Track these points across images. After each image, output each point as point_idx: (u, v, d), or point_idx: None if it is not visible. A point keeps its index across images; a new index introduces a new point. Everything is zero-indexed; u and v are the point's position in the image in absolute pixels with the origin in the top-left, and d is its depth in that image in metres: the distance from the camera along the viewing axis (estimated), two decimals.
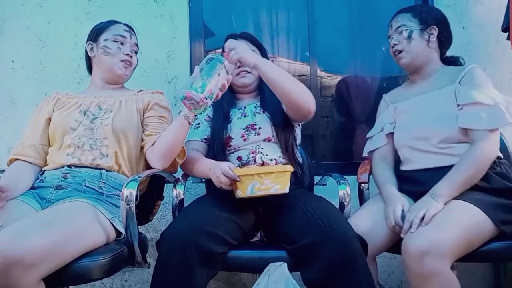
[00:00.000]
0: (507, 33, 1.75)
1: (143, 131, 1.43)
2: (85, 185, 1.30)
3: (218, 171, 1.22)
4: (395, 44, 1.44)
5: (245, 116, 1.51)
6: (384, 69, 2.21)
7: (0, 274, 0.92)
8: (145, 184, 1.48)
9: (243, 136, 1.45)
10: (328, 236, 1.11)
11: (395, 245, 1.31)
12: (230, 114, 1.51)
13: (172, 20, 2.07)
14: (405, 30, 1.41)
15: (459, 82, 1.34)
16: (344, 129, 2.22)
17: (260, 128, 1.46)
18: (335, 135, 2.20)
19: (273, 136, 1.45)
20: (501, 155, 1.36)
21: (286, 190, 1.22)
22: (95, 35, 1.47)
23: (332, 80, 2.24)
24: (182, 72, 2.06)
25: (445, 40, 1.46)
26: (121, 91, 1.50)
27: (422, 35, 1.41)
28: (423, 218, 1.16)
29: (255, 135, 1.45)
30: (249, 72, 1.51)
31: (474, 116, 1.27)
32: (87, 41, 1.49)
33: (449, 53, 1.49)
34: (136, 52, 1.52)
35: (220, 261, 1.18)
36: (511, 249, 1.20)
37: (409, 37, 1.40)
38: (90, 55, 1.48)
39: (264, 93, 1.52)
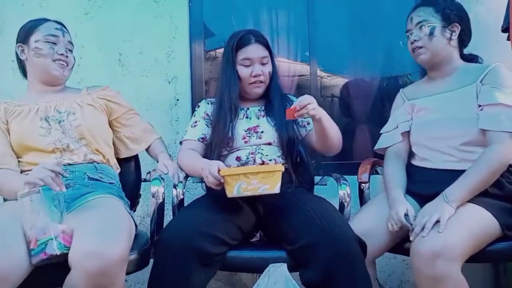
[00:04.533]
0: (507, 34, 1.75)
1: (126, 127, 1.48)
2: (89, 177, 1.31)
3: (206, 171, 1.21)
4: (415, 40, 1.36)
5: (247, 118, 1.50)
6: (384, 69, 2.20)
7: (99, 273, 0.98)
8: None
9: (244, 138, 1.45)
10: (327, 237, 1.11)
11: (395, 245, 1.30)
12: (237, 112, 1.48)
13: (172, 20, 2.07)
14: (427, 26, 1.34)
15: (481, 81, 1.29)
16: (344, 129, 2.21)
17: (262, 132, 1.45)
18: None
19: (274, 141, 1.45)
20: None
21: (275, 190, 1.19)
22: (24, 36, 1.40)
23: (332, 80, 2.24)
24: (182, 72, 2.06)
25: (466, 38, 1.40)
26: (69, 92, 1.46)
27: (444, 33, 1.35)
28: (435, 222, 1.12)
29: (256, 138, 1.45)
30: (262, 82, 1.47)
31: (493, 117, 1.23)
32: (16, 43, 1.42)
33: None
34: (71, 51, 1.44)
35: (218, 261, 1.18)
36: None
37: (431, 33, 1.34)
38: (21, 57, 1.41)
39: (270, 99, 1.51)
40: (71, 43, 1.44)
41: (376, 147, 1.53)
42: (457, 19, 1.36)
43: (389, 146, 1.46)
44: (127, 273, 1.15)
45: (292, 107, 1.27)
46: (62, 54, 1.38)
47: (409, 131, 1.43)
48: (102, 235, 1.03)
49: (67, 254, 1.01)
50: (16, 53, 1.42)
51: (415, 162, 1.41)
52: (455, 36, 1.36)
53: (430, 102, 1.39)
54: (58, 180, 1.10)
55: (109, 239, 1.02)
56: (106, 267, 0.98)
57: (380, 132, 1.53)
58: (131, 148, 1.49)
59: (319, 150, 1.47)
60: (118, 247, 1.01)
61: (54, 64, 1.37)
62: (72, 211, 1.17)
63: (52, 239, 1.02)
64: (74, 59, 1.45)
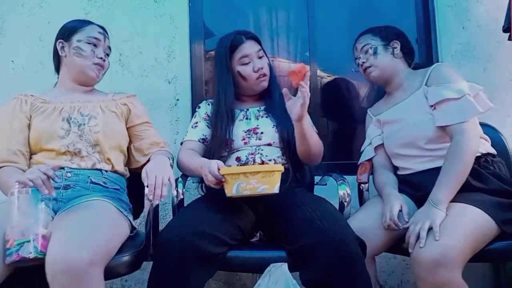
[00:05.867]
0: (508, 34, 1.75)
1: (137, 138, 1.46)
2: (91, 181, 1.31)
3: (206, 170, 1.22)
4: (363, 63, 1.50)
5: (247, 119, 1.50)
6: None
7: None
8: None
9: (244, 139, 1.45)
10: (326, 237, 1.11)
11: (395, 245, 1.31)
12: (234, 117, 1.48)
13: (172, 20, 2.07)
14: (371, 48, 1.48)
15: (426, 84, 1.39)
16: (344, 129, 2.22)
17: (262, 133, 1.45)
18: (335, 135, 2.20)
19: (274, 142, 1.45)
20: (494, 152, 1.37)
21: (275, 190, 1.19)
22: (67, 34, 1.42)
23: (332, 80, 2.24)
24: (182, 72, 2.06)
25: (408, 51, 1.53)
26: (96, 95, 1.48)
27: (387, 50, 1.48)
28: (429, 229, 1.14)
29: (256, 139, 1.45)
30: (265, 75, 1.47)
31: (446, 113, 1.31)
32: (57, 39, 1.43)
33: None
34: (108, 55, 1.47)
35: (218, 261, 1.18)
36: None
37: (375, 53, 1.48)
38: (60, 54, 1.42)
39: (271, 97, 1.51)
40: (109, 48, 1.48)
41: (359, 162, 1.60)
42: (394, 37, 1.50)
43: (373, 157, 1.53)
44: (121, 275, 1.15)
45: (299, 70, 1.22)
46: (101, 58, 1.41)
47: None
48: (72, 241, 1.00)
49: (42, 259, 0.99)
50: (55, 49, 1.44)
51: (399, 172, 1.48)
52: (397, 51, 1.49)
53: (390, 114, 1.50)
54: (48, 184, 1.09)
55: (80, 244, 0.99)
56: (74, 273, 0.95)
57: (360, 150, 1.61)
58: (138, 160, 1.47)
59: (300, 158, 1.45)
60: (88, 252, 0.98)
61: (92, 66, 1.40)
62: (62, 212, 1.17)
63: (29, 241, 1.00)
64: (109, 64, 1.48)
